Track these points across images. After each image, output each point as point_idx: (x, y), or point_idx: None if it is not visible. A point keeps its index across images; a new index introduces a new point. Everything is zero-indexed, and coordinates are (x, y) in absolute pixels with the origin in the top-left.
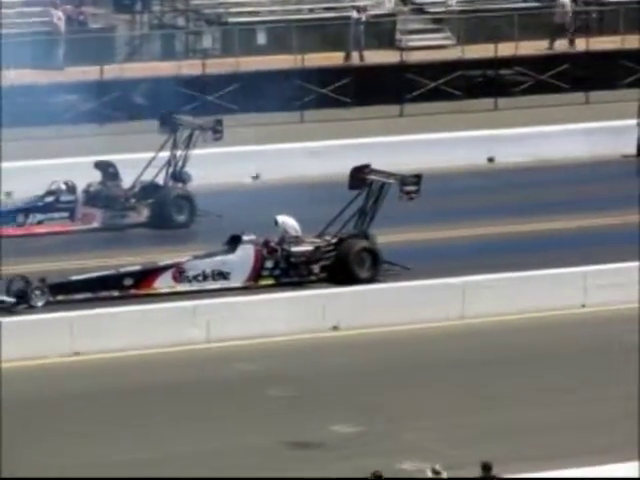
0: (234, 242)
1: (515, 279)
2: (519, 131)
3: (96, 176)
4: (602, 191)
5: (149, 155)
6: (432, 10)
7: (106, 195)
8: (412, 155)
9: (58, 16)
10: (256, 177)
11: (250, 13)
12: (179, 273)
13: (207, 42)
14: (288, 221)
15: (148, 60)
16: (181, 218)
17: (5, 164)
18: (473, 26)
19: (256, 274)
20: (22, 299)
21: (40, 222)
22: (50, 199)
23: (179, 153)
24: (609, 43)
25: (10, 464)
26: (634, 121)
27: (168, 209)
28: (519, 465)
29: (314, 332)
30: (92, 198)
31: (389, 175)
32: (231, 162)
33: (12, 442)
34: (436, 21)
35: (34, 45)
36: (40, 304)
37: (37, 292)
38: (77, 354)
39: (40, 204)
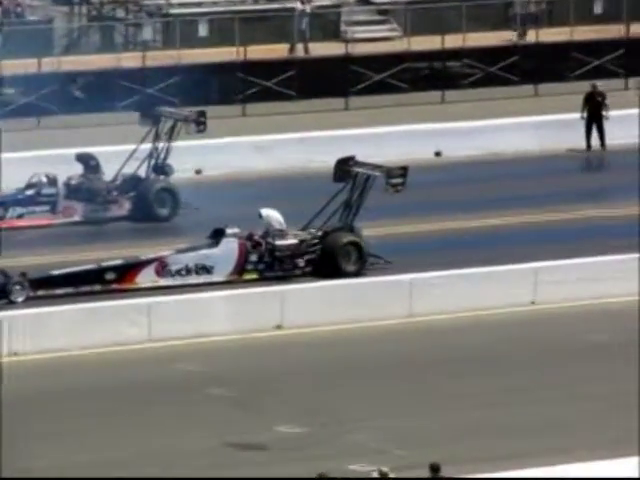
0: (217, 236)
1: (463, 276)
2: (467, 125)
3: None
4: (552, 185)
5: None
6: (378, 1)
7: (87, 188)
8: (358, 149)
9: None
10: (199, 172)
11: (192, 4)
12: (162, 267)
13: (147, 34)
14: (272, 214)
15: (87, 53)
16: (164, 211)
17: None
18: (420, 17)
19: (240, 268)
20: (2, 294)
21: (20, 215)
22: (31, 192)
23: (161, 145)
24: (559, 35)
25: None
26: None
27: (150, 202)
28: (468, 466)
29: (257, 331)
30: (73, 191)
31: (374, 167)
32: (172, 157)
33: None
34: (382, 12)
35: None
36: (20, 299)
37: (17, 287)
38: (15, 354)
39: (21, 197)
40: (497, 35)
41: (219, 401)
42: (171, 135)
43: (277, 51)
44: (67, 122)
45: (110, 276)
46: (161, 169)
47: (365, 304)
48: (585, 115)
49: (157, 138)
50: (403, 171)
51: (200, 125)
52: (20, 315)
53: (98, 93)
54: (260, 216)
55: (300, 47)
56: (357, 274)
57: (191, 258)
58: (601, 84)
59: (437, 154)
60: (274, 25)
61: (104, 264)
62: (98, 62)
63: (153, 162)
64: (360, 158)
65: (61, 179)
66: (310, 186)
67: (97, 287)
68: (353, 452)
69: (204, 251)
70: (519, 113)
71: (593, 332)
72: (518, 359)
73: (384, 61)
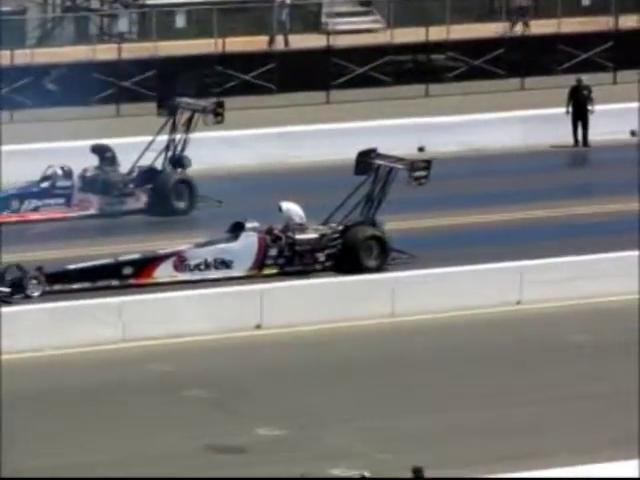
0: (237, 229)
1: (447, 275)
2: (451, 119)
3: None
4: (538, 182)
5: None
6: None
7: (103, 180)
8: (339, 144)
9: None
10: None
11: None
12: (180, 262)
13: (123, 25)
14: (292, 208)
15: (61, 44)
16: (181, 204)
17: None
18: (403, 9)
19: (260, 263)
20: (18, 289)
21: (35, 208)
22: (45, 185)
23: (178, 137)
24: (546, 27)
25: None
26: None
27: (167, 195)
28: (452, 470)
29: (235, 331)
30: (89, 184)
31: (397, 160)
32: (148, 153)
33: None
34: (364, 3)
35: None
36: (36, 294)
37: (33, 281)
38: None
39: (35, 190)
40: (482, 27)
41: (196, 403)
42: (189, 126)
43: (256, 43)
44: (40, 116)
45: (127, 271)
46: (178, 161)
47: (347, 303)
48: (570, 110)
49: (174, 129)
50: (427, 164)
51: (218, 116)
52: None
53: (72, 86)
54: (280, 209)
55: (280, 39)
56: (379, 269)
57: (210, 252)
58: (587, 78)
59: (420, 149)
60: (253, 16)
61: (121, 258)
62: (72, 54)
63: (170, 154)
64: (342, 154)
65: (56, 172)
66: (290, 182)
67: (114, 282)
68: (335, 455)
69: (223, 245)
70: (505, 107)
71: (580, 332)
72: (503, 360)
73: (366, 54)
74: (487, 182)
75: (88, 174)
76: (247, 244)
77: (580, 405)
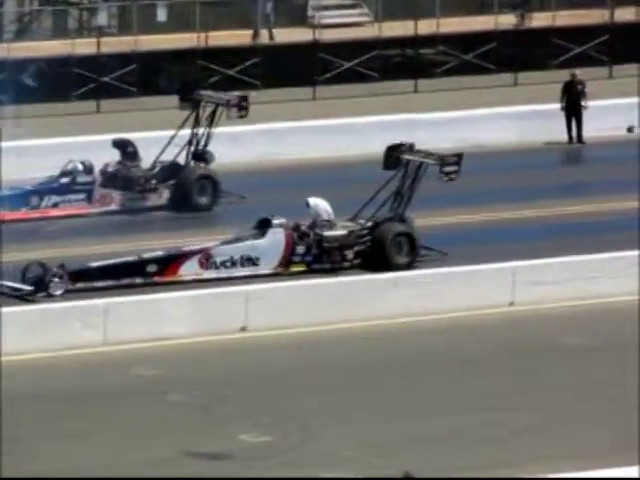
0: (263, 226)
1: (438, 275)
2: (441, 115)
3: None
4: (531, 180)
5: None
6: None
7: (125, 176)
8: (325, 141)
9: None
10: None
11: None
12: (206, 259)
13: (103, 19)
14: (320, 203)
15: (39, 39)
16: (204, 200)
17: None
18: (391, 2)
19: (287, 260)
20: (40, 287)
21: (55, 204)
22: (66, 180)
23: (201, 131)
24: (539, 20)
25: None
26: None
27: (190, 191)
28: (445, 474)
29: (220, 333)
30: (110, 179)
31: (427, 154)
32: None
33: None
34: None
35: None
36: (59, 292)
37: (56, 279)
38: None
39: (55, 185)
40: (473, 20)
41: (179, 408)
42: (212, 120)
43: (240, 37)
44: (18, 112)
45: (152, 268)
46: (201, 156)
47: (334, 305)
48: (564, 105)
49: (197, 124)
50: (457, 159)
51: (242, 110)
52: None
53: (51, 81)
54: (308, 205)
55: (264, 33)
56: (409, 267)
57: (236, 249)
58: (582, 72)
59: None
60: (237, 10)
61: (145, 256)
62: (50, 48)
63: (193, 149)
64: (329, 151)
65: (77, 167)
66: (277, 179)
67: (138, 280)
68: (323, 461)
69: (250, 242)
70: (498, 103)
71: (574, 334)
72: (496, 363)
73: (354, 48)
74: (479, 180)
75: (109, 169)
76: (274, 241)
77: (576, 408)
